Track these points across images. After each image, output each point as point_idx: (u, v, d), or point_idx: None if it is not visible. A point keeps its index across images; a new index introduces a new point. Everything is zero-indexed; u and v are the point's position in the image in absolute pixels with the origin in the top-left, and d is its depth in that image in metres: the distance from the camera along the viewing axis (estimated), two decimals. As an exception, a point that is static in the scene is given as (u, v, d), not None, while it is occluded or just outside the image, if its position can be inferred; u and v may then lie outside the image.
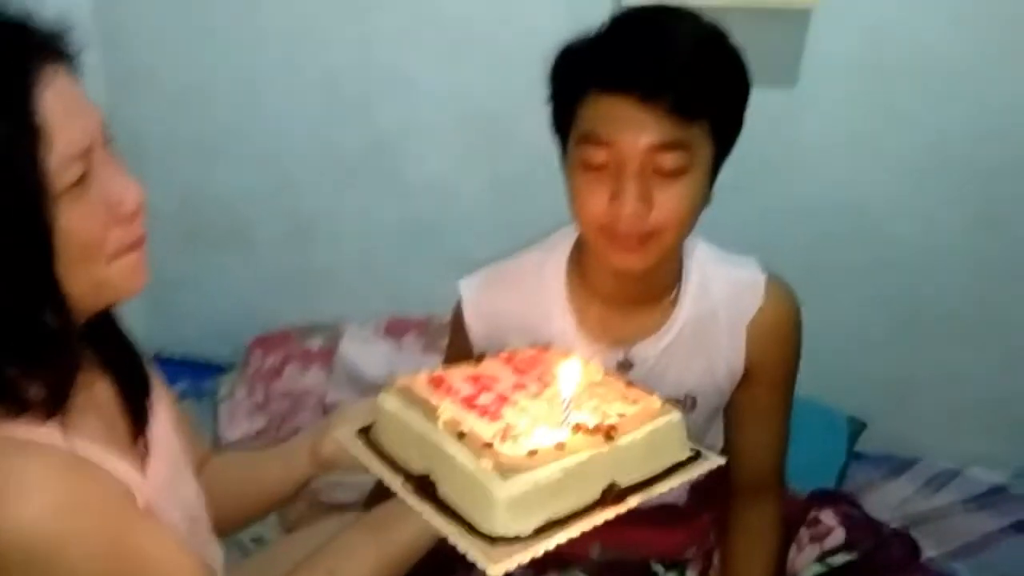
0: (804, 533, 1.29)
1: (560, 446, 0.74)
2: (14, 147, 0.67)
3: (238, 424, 1.86)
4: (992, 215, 1.81)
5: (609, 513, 0.76)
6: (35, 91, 0.69)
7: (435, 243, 2.05)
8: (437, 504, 0.76)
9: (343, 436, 0.91)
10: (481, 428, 0.77)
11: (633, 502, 0.78)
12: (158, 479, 0.86)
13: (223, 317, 2.05)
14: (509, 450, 0.73)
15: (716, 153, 1.00)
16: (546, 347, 1.01)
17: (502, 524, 0.71)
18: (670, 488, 0.81)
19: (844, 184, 1.84)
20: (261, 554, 1.24)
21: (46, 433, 0.74)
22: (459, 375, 0.90)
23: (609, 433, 0.77)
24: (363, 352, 1.93)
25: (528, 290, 1.16)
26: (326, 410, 1.87)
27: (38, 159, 0.68)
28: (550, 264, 1.16)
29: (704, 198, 1.02)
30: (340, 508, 1.52)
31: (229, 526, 1.04)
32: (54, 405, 0.74)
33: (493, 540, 0.71)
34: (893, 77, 1.76)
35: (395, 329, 2.02)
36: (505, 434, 0.76)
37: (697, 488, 1.27)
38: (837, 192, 1.84)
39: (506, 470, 0.71)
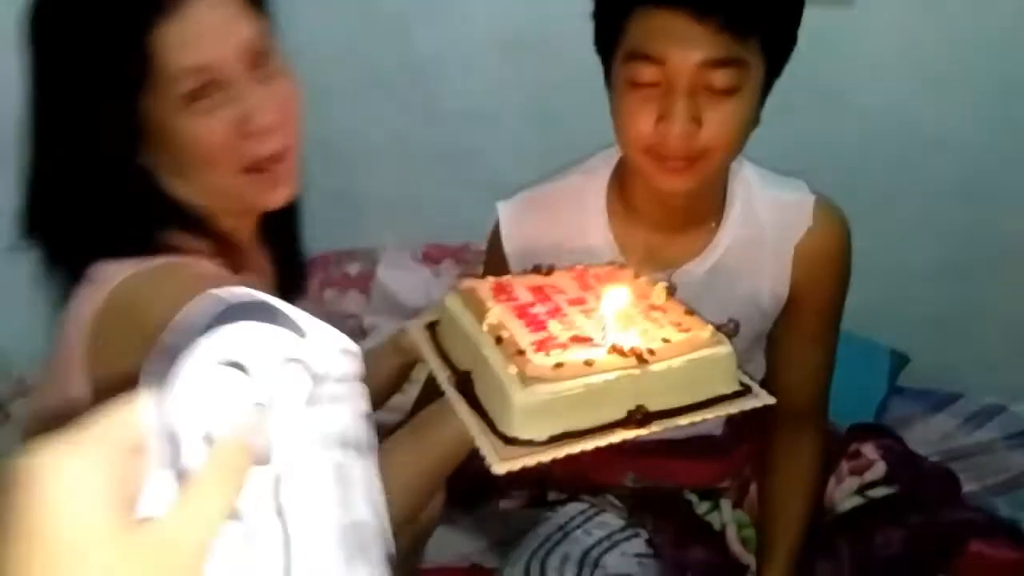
0: (844, 465, 1.28)
1: (589, 362, 0.75)
2: (125, 60, 0.74)
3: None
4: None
5: (628, 433, 0.76)
6: (154, 18, 0.75)
7: (473, 169, 2.02)
8: (470, 400, 0.80)
9: (411, 327, 0.96)
10: (521, 335, 0.80)
11: (656, 427, 0.77)
12: None
13: (261, 241, 2.06)
14: (539, 360, 0.76)
15: (767, 72, 0.97)
16: (622, 265, 0.99)
17: (517, 427, 0.74)
18: (694, 421, 0.80)
19: (900, 110, 1.78)
20: None
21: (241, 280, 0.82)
22: (524, 283, 0.92)
23: (642, 357, 0.77)
24: (400, 278, 1.94)
25: (568, 214, 1.14)
26: (364, 334, 1.89)
27: (152, 68, 0.75)
28: (591, 187, 1.14)
29: (754, 119, 0.99)
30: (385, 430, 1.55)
31: None
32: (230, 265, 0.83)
33: (507, 441, 0.74)
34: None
35: (432, 256, 2.02)
36: (542, 344, 0.78)
37: (734, 419, 1.25)
38: (893, 117, 1.78)
39: (528, 378, 0.73)
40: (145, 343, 0.68)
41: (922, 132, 1.78)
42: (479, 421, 0.77)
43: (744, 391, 0.84)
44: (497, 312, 0.83)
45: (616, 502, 1.24)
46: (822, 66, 1.64)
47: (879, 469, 1.25)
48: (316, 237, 2.05)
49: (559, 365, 0.75)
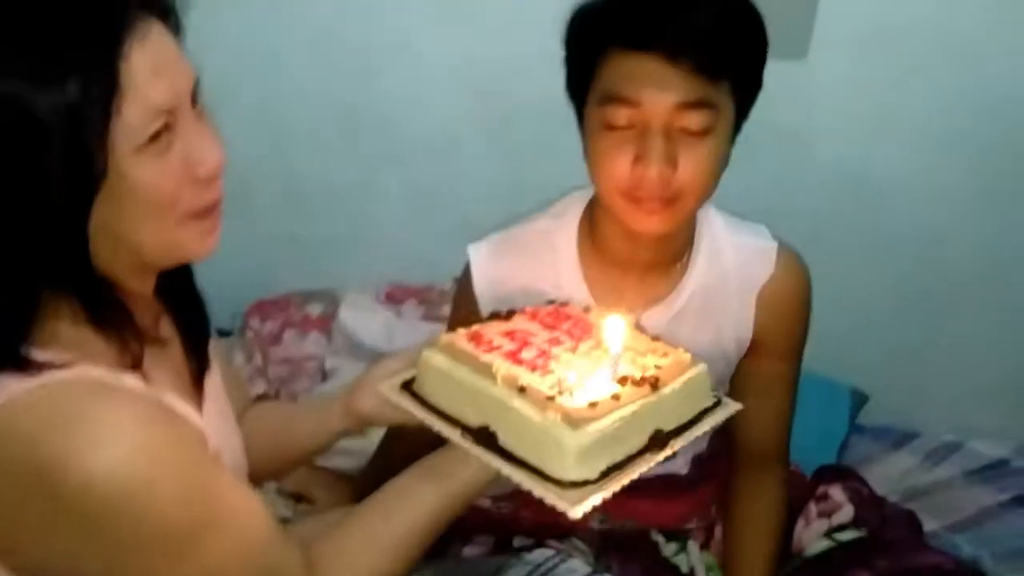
0: (812, 507, 1.29)
1: (616, 396, 0.79)
2: (90, 98, 0.67)
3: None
4: (1000, 189, 1.79)
5: (659, 456, 0.82)
6: (125, 45, 0.69)
7: (436, 210, 2.02)
8: (500, 453, 0.81)
9: (387, 391, 0.93)
10: (537, 382, 0.81)
11: (677, 445, 0.84)
12: (212, 425, 0.87)
13: (221, 282, 2.00)
14: (570, 402, 0.78)
15: (736, 114, 1.00)
16: (564, 303, 1.02)
17: (573, 470, 0.76)
18: (705, 431, 0.88)
19: (851, 156, 1.82)
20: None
21: (130, 379, 0.75)
22: (494, 331, 0.93)
23: (655, 384, 0.82)
24: (362, 319, 1.92)
25: (539, 256, 1.15)
26: (325, 376, 1.86)
27: (112, 112, 0.68)
28: (561, 230, 1.15)
29: (725, 160, 1.01)
30: (340, 474, 1.52)
31: (257, 476, 1.04)
32: (130, 360, 0.75)
33: (565, 485, 0.76)
34: (904, 49, 1.73)
35: (395, 296, 2.00)
36: (560, 387, 0.81)
37: (700, 459, 1.26)
38: (845, 164, 1.83)
39: (574, 421, 0.76)
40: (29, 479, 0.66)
41: (873, 177, 1.82)
42: (528, 473, 0.78)
43: (718, 402, 0.92)
44: (502, 364, 0.84)
45: (582, 546, 1.22)
46: (779, 113, 1.68)
47: (847, 512, 1.26)
48: (278, 278, 2.06)
49: (593, 404, 0.78)
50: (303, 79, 1.96)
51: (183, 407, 0.81)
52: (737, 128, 1.02)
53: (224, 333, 2.01)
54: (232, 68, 1.97)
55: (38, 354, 0.71)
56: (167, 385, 0.81)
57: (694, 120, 0.94)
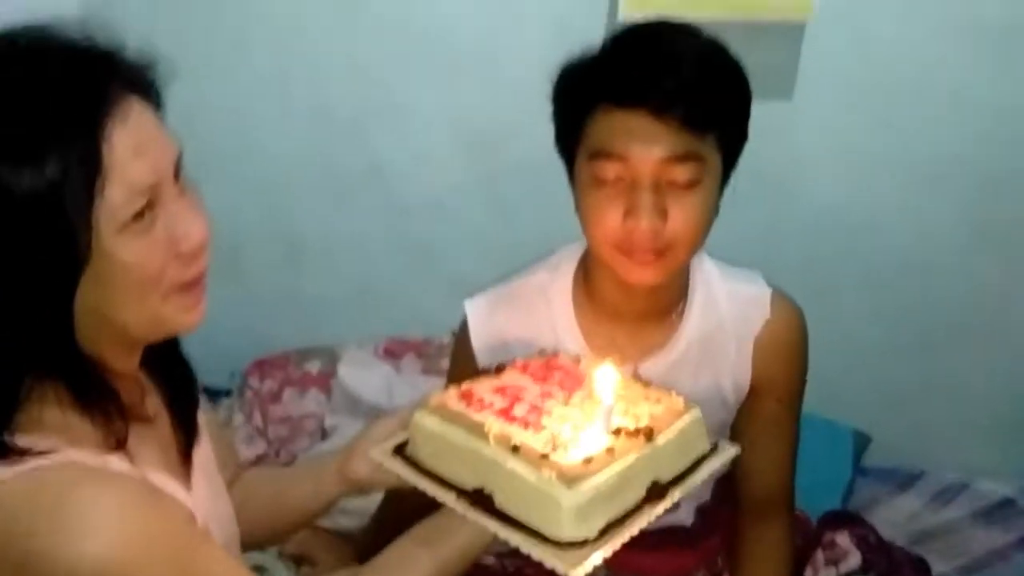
0: (820, 555, 1.28)
1: (611, 451, 0.78)
2: (71, 179, 0.66)
3: (237, 449, 1.83)
4: (990, 226, 1.80)
5: (659, 508, 0.80)
6: (106, 125, 0.68)
7: (432, 265, 2.03)
8: (497, 516, 0.79)
9: (380, 456, 0.92)
10: (530, 440, 0.80)
11: (676, 495, 0.82)
12: (201, 497, 0.86)
13: (219, 342, 2.01)
14: (564, 459, 0.77)
15: (724, 165, 1.02)
16: (554, 354, 1.02)
17: (571, 529, 0.75)
18: (703, 478, 0.87)
19: (841, 196, 1.84)
20: None
21: (115, 460, 0.74)
22: (485, 387, 0.92)
23: (649, 434, 0.81)
24: (361, 375, 1.91)
25: (535, 310, 1.15)
26: (325, 434, 1.85)
27: (95, 193, 0.68)
28: (556, 284, 1.16)
29: (715, 210, 1.03)
30: (342, 535, 1.50)
31: (255, 542, 1.04)
32: (115, 441, 0.74)
33: (563, 545, 0.74)
34: (888, 89, 1.76)
35: (393, 351, 2.00)
36: (555, 443, 0.80)
37: (704, 509, 1.25)
38: (834, 205, 1.84)
39: (569, 478, 0.74)
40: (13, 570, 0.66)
41: (863, 214, 1.84)
42: (525, 536, 0.77)
43: (714, 447, 0.90)
44: (494, 422, 0.83)
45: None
46: (766, 157, 1.70)
47: (855, 559, 1.26)
48: (276, 336, 2.06)
49: (588, 460, 0.76)
50: (297, 138, 1.99)
51: (170, 484, 0.80)
52: (725, 178, 1.04)
53: (223, 392, 2.00)
54: (224, 131, 1.99)
55: (21, 440, 0.70)
56: (153, 463, 0.80)
57: (682, 173, 0.96)
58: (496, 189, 1.95)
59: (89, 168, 0.67)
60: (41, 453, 0.70)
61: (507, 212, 1.95)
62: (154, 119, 0.75)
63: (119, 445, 0.75)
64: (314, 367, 1.97)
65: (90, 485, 0.70)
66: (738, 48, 1.02)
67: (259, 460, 1.81)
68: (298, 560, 1.45)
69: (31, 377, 0.72)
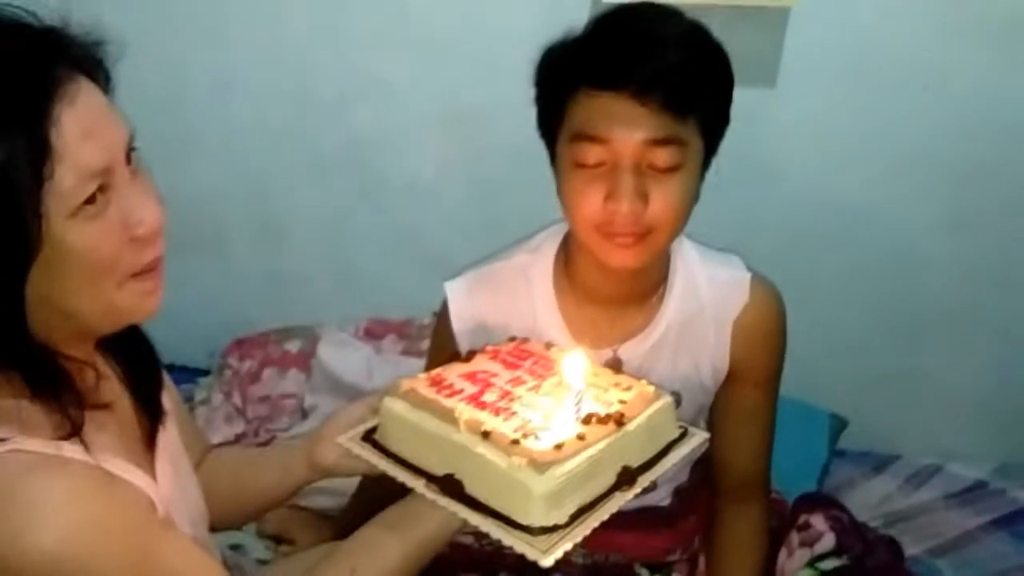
0: (794, 537, 1.29)
1: (581, 436, 0.78)
2: (18, 164, 0.64)
3: (217, 429, 1.82)
4: (970, 214, 1.81)
5: (628, 495, 0.80)
6: (53, 107, 0.66)
7: (413, 246, 2.02)
8: (467, 502, 0.79)
9: (348, 442, 0.92)
10: (500, 426, 0.80)
11: (645, 481, 0.83)
12: (166, 481, 0.85)
13: (198, 321, 2.01)
14: (535, 445, 0.76)
15: (705, 150, 1.01)
16: (524, 340, 1.02)
17: (541, 516, 0.75)
18: (673, 464, 0.87)
19: (822, 183, 1.84)
20: (261, 573, 1.22)
21: (70, 447, 0.72)
22: (454, 373, 0.92)
23: (620, 420, 0.81)
24: (341, 355, 1.91)
25: (515, 292, 1.15)
26: (305, 414, 1.85)
27: (44, 177, 0.65)
28: (537, 266, 1.16)
29: (695, 194, 1.03)
30: (320, 514, 1.50)
31: (222, 524, 1.03)
32: (70, 428, 0.72)
33: (534, 532, 0.75)
34: (871, 77, 1.76)
35: (374, 332, 1.99)
36: (525, 430, 0.79)
37: (681, 490, 1.26)
38: (815, 191, 1.84)
39: (539, 465, 0.74)
40: None
41: (846, 203, 1.84)
42: (495, 522, 0.77)
43: (683, 433, 0.91)
44: (464, 408, 0.83)
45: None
46: (749, 143, 1.70)
47: (829, 541, 1.26)
48: (257, 316, 2.05)
49: (559, 446, 0.76)
50: (277, 118, 1.97)
51: (129, 471, 0.78)
52: (706, 163, 1.04)
53: (202, 372, 1.99)
54: (206, 108, 1.98)
55: None
56: (111, 449, 0.78)
57: (663, 157, 0.96)
58: (478, 170, 1.95)
59: (37, 152, 0.65)
60: None
61: (489, 193, 1.95)
62: (103, 100, 0.73)
63: (74, 432, 0.73)
64: (294, 347, 1.96)
65: (41, 474, 0.68)
66: (721, 33, 1.02)
67: (238, 439, 1.81)
68: (276, 539, 1.45)
69: None
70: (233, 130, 1.99)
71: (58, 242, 0.68)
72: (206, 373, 1.98)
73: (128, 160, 0.74)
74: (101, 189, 0.70)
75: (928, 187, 1.81)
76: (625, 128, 0.95)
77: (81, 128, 0.68)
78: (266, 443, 1.78)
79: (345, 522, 1.38)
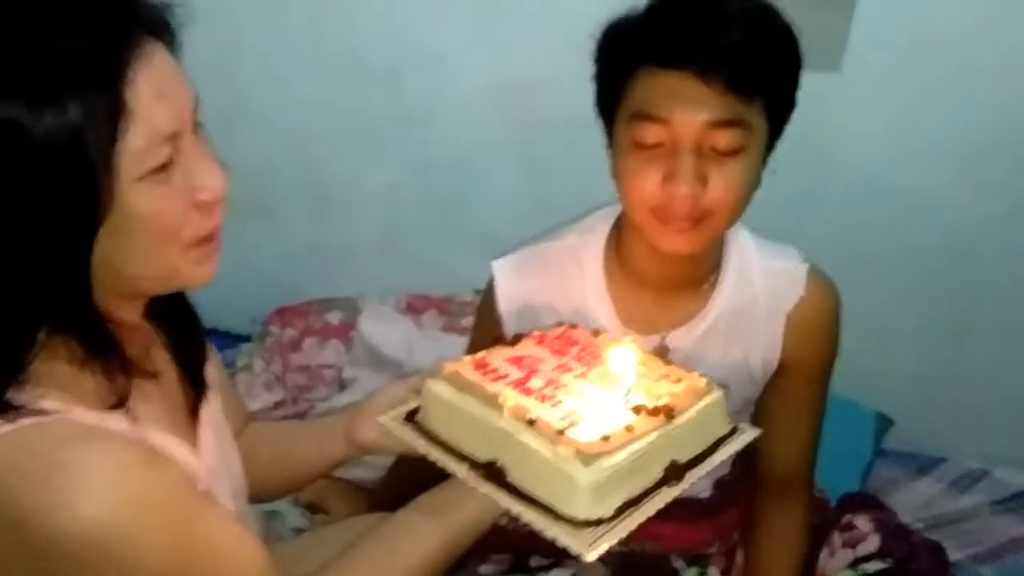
0: (837, 537, 1.27)
1: (630, 428, 0.76)
2: (94, 124, 0.64)
3: (257, 396, 1.84)
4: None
5: (676, 490, 0.78)
6: (128, 69, 0.66)
7: (459, 220, 2.02)
8: (509, 489, 0.78)
9: (390, 422, 0.90)
10: (547, 414, 0.78)
11: (693, 477, 0.80)
12: (208, 452, 0.85)
13: (242, 288, 2.02)
14: (581, 435, 0.74)
15: (769, 134, 0.98)
16: (571, 325, 1.00)
17: (586, 508, 0.72)
18: (721, 460, 0.84)
19: (880, 171, 1.80)
20: (297, 542, 1.23)
21: (115, 419, 0.72)
22: (500, 357, 0.90)
23: (669, 413, 0.79)
24: (382, 329, 1.91)
25: (565, 275, 1.13)
26: (343, 385, 1.86)
27: (117, 138, 0.65)
28: (588, 248, 1.13)
29: (756, 180, 0.99)
30: (357, 485, 1.51)
31: (261, 496, 1.03)
32: (116, 398, 0.72)
33: (578, 524, 0.72)
34: (937, 63, 1.70)
35: (415, 307, 1.99)
36: (571, 419, 0.77)
37: (722, 482, 1.24)
38: (872, 179, 1.80)
39: (586, 456, 0.72)
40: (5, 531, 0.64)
41: (905, 194, 1.80)
42: (538, 512, 0.75)
43: (734, 429, 0.88)
44: (510, 394, 0.81)
45: (600, 568, 1.20)
46: (810, 128, 1.66)
47: (873, 542, 1.24)
48: (299, 285, 2.06)
49: (606, 437, 0.74)
50: (329, 88, 1.97)
51: (172, 443, 0.78)
52: (770, 147, 1.00)
53: (244, 338, 2.01)
54: (258, 76, 1.98)
55: (30, 392, 0.68)
56: (156, 420, 0.78)
57: (725, 139, 0.93)
58: (528, 145, 1.93)
59: (113, 112, 0.65)
60: (39, 412, 0.68)
61: (538, 169, 1.93)
62: (174, 63, 0.72)
63: (120, 402, 0.72)
64: (335, 318, 1.97)
65: (83, 446, 0.67)
66: (787, 14, 0.98)
67: (277, 407, 1.82)
68: (312, 508, 1.47)
69: (45, 330, 0.70)
70: (284, 100, 1.99)
71: (125, 206, 0.67)
72: (248, 339, 2.00)
73: (194, 127, 0.74)
74: (168, 156, 0.70)
75: (991, 177, 1.76)
76: (687, 108, 0.92)
77: (155, 90, 0.67)
78: (304, 412, 1.80)
79: (381, 495, 1.38)
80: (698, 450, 0.83)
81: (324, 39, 1.93)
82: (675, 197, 0.94)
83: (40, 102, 0.63)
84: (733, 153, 0.94)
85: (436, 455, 0.84)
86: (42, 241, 0.66)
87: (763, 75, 0.93)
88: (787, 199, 1.68)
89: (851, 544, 1.25)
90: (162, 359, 0.85)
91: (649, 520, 0.77)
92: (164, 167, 0.69)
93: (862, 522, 1.27)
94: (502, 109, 1.91)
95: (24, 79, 0.63)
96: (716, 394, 0.86)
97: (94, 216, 0.66)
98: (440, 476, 0.88)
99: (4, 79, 0.63)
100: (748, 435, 0.89)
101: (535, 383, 0.84)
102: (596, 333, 0.97)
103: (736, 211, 0.99)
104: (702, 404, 0.83)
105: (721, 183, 0.94)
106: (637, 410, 0.79)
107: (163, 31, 0.72)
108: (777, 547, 1.20)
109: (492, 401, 0.80)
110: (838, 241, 1.77)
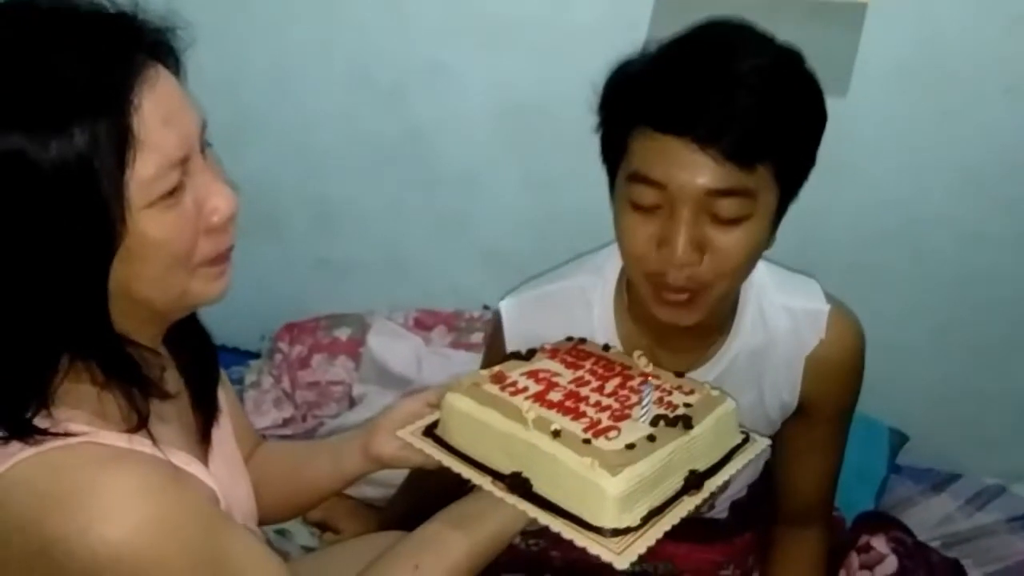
0: (855, 559, 1.25)
1: (652, 438, 0.77)
2: (101, 151, 0.63)
3: (266, 412, 1.84)
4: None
5: (696, 498, 0.79)
6: (134, 95, 0.65)
7: (465, 237, 2.01)
8: (535, 501, 0.78)
9: (410, 437, 0.90)
10: (569, 425, 0.79)
11: (712, 486, 0.81)
12: (220, 476, 0.85)
13: (250, 304, 2.02)
14: (607, 445, 0.76)
15: (781, 195, 0.91)
16: (581, 340, 1.00)
17: (613, 518, 0.73)
18: (738, 469, 0.85)
19: (892, 190, 1.78)
20: (313, 559, 1.22)
21: (139, 440, 0.72)
22: (517, 371, 0.91)
23: (687, 423, 0.80)
24: (391, 345, 1.90)
25: (573, 317, 1.09)
26: (353, 402, 1.85)
27: (126, 165, 0.65)
28: (598, 290, 1.09)
29: (765, 242, 0.93)
30: (366, 504, 1.50)
31: (272, 518, 1.03)
32: (137, 419, 0.72)
33: (606, 533, 0.73)
34: (945, 87, 1.69)
35: (423, 322, 1.99)
36: (596, 430, 0.78)
37: (739, 504, 1.22)
38: (885, 198, 1.78)
39: (613, 466, 0.73)
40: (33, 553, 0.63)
41: (919, 211, 1.78)
42: (566, 522, 0.75)
43: (746, 438, 0.90)
44: (533, 407, 0.82)
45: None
46: (821, 147, 1.66)
47: (891, 564, 1.22)
48: (307, 301, 2.05)
49: (631, 447, 0.75)
50: (336, 105, 1.97)
51: (191, 463, 0.78)
52: (782, 210, 0.93)
53: (253, 355, 2.01)
54: (264, 93, 1.98)
55: (46, 420, 0.68)
56: (173, 442, 0.78)
57: (726, 208, 0.86)
58: (534, 164, 1.92)
59: (120, 139, 0.64)
60: (66, 435, 0.67)
61: (544, 186, 1.92)
62: (179, 87, 0.72)
63: (141, 424, 0.72)
64: (344, 334, 1.97)
65: (112, 467, 0.67)
66: (794, 37, 0.93)
67: (286, 423, 1.82)
68: (321, 526, 1.45)
69: (67, 355, 0.70)
70: (290, 116, 2.00)
71: (136, 231, 0.67)
72: (256, 356, 2.00)
73: (202, 149, 0.73)
74: (178, 181, 0.69)
75: (1002, 198, 1.74)
76: (684, 174, 0.85)
77: (161, 116, 0.67)
78: (313, 429, 1.79)
79: (390, 513, 1.37)
80: (715, 459, 0.84)
81: (331, 56, 1.93)
82: (669, 265, 0.88)
83: (45, 132, 0.62)
84: (736, 222, 0.87)
85: (460, 468, 0.84)
86: (58, 270, 0.66)
87: (770, 141, 0.86)
88: (797, 215, 1.68)
89: (869, 566, 1.23)
90: (175, 382, 0.85)
91: (665, 539, 0.76)
92: (173, 192, 0.69)
93: (880, 543, 1.25)
94: (508, 127, 1.90)
95: (29, 109, 0.62)
96: (729, 403, 0.87)
97: (108, 245, 0.66)
98: (456, 491, 0.88)
99: (8, 110, 0.62)
100: (760, 444, 0.90)
101: (554, 396, 0.85)
102: (606, 348, 0.98)
103: (738, 280, 0.93)
104: (717, 413, 0.85)
105: (720, 253, 0.88)
106: (656, 420, 0.80)
107: (167, 55, 0.72)
108: (796, 570, 1.18)
109: (515, 414, 0.81)
110: (854, 258, 1.77)
